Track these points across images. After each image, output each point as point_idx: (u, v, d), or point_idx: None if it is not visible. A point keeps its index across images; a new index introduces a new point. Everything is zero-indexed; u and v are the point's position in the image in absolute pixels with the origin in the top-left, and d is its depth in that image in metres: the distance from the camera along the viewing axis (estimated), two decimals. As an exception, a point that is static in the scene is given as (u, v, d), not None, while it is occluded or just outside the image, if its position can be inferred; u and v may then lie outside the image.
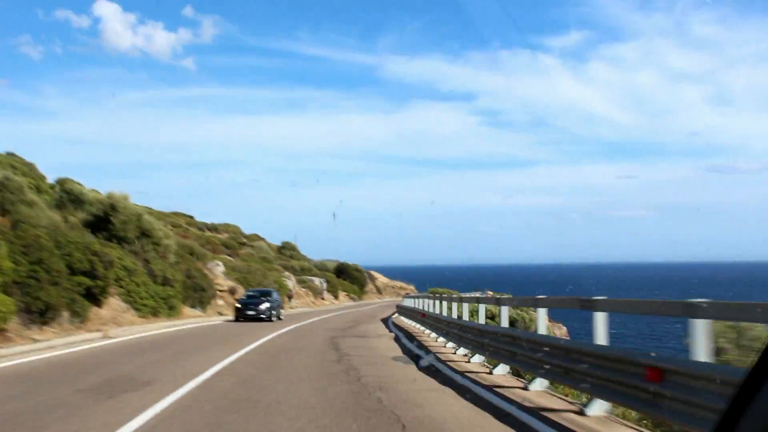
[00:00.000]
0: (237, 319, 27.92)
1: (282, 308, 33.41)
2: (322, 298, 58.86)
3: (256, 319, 27.89)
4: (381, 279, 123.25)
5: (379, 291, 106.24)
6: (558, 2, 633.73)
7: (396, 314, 36.57)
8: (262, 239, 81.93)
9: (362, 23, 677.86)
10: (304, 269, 67.40)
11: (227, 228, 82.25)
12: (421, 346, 18.00)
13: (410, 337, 21.42)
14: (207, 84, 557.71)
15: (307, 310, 46.37)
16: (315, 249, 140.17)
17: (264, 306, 28.74)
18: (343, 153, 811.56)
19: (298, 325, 26.91)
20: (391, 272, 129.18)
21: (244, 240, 75.57)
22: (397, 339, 20.60)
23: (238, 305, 28.49)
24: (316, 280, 59.22)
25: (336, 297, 66.37)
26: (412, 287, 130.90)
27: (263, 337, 19.50)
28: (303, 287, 54.51)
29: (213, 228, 78.54)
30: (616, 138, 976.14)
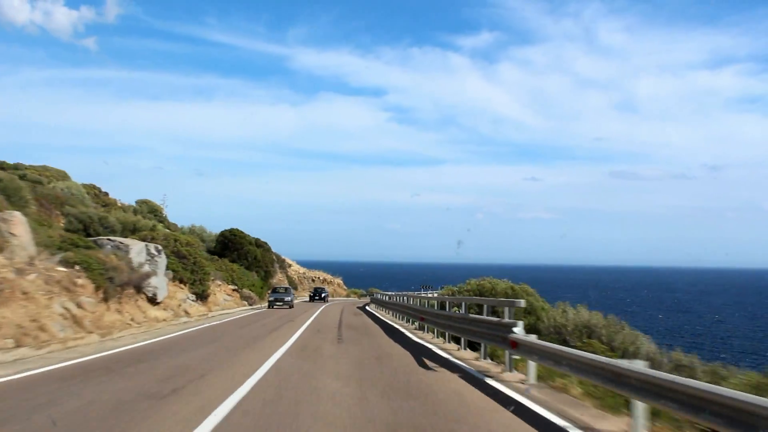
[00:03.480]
0: None
1: None
2: (153, 300, 20.78)
3: None
4: (295, 267, 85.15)
5: (292, 283, 68.60)
6: (470, 2, 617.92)
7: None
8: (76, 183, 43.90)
9: (272, 12, 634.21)
10: (126, 226, 28.95)
11: (44, 171, 44.36)
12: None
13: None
14: (109, 66, 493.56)
15: None
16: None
17: None
18: (250, 144, 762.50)
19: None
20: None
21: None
22: None
23: None
24: (137, 249, 21.03)
25: (203, 297, 28.36)
26: (339, 280, 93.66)
27: None
28: (66, 266, 16.27)
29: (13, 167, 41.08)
30: (523, 140, 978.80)
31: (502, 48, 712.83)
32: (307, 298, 51.84)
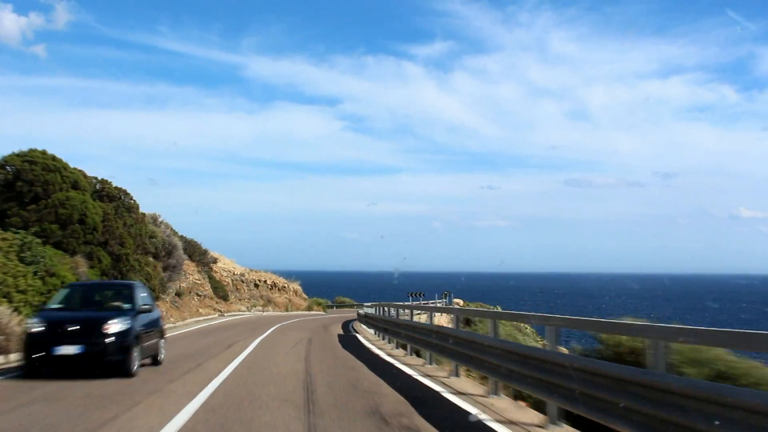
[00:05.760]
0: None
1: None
2: None
3: None
4: (229, 264, 57.30)
5: (220, 288, 40.92)
6: (423, 11, 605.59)
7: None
8: None
9: (225, 20, 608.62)
10: None
11: None
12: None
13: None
14: (59, 74, 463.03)
15: None
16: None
17: None
18: (204, 153, 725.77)
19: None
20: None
21: None
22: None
23: None
24: None
25: None
26: (296, 285, 66.00)
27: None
28: None
29: None
30: (478, 149, 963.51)
31: (456, 57, 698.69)
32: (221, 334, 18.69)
